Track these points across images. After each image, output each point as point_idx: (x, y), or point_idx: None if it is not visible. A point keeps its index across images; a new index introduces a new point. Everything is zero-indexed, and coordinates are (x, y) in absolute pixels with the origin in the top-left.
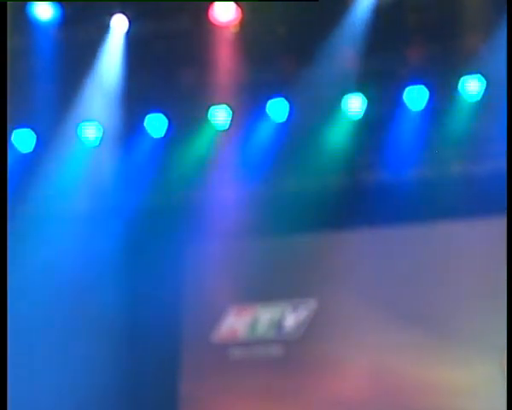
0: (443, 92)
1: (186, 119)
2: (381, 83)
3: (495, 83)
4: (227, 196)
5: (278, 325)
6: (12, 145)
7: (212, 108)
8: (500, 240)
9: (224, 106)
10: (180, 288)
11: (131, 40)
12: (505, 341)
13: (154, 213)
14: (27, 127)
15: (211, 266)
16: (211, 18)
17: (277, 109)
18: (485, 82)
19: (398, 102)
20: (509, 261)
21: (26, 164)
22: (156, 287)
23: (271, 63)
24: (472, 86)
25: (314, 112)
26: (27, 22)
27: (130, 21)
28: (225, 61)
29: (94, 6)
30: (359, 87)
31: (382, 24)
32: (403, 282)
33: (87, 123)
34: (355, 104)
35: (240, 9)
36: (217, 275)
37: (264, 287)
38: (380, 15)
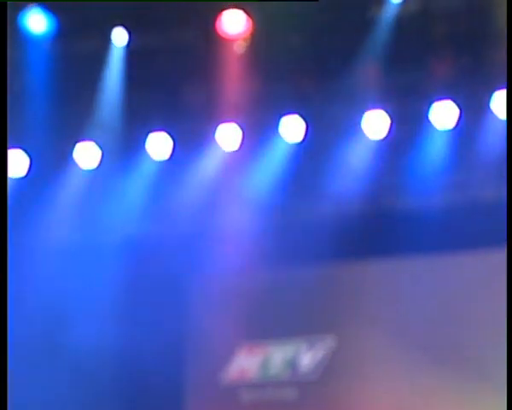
0: (473, 109)
1: (192, 139)
2: (405, 99)
3: None
4: (236, 224)
5: (293, 364)
6: None
7: (220, 127)
8: None
9: (234, 125)
10: (184, 325)
11: (133, 54)
12: None
13: (156, 244)
14: (19, 149)
15: (218, 301)
16: (218, 30)
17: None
18: None
19: (423, 120)
20: (508, 269)
21: (18, 189)
22: (157, 324)
23: (285, 78)
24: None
25: (332, 131)
26: (19, 35)
27: (131, 34)
28: (234, 76)
29: (92, 17)
30: (382, 104)
31: (407, 35)
32: (430, 317)
33: (84, 144)
34: (376, 122)
35: (250, 20)
36: (225, 310)
37: (278, 323)
38: (404, 25)
